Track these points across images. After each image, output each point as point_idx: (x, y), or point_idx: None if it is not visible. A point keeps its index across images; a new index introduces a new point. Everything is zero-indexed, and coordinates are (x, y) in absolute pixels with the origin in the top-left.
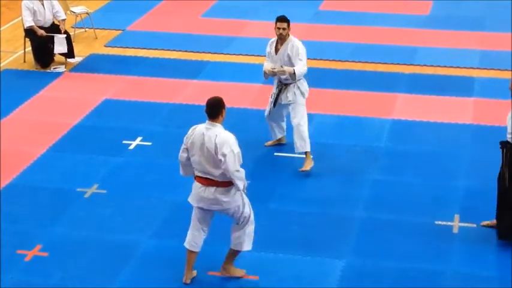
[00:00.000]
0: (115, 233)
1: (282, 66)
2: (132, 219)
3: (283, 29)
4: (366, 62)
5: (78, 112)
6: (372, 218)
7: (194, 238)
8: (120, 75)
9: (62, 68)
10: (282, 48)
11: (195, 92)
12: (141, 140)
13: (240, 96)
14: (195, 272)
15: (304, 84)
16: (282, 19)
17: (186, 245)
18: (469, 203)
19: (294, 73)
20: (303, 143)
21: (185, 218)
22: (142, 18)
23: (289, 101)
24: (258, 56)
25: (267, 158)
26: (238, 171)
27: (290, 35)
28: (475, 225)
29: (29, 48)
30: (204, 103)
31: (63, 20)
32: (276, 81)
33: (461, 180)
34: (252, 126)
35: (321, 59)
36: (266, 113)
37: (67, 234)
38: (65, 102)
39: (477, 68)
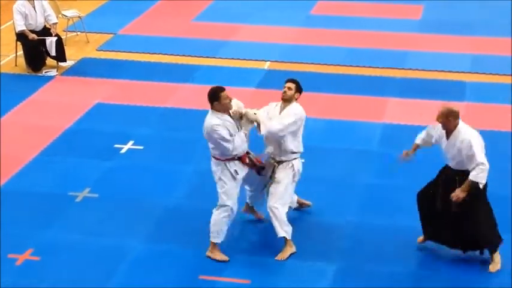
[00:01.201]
0: (106, 237)
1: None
2: (124, 223)
3: (289, 88)
4: (357, 66)
5: (69, 116)
6: (364, 222)
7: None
8: (112, 79)
9: (53, 72)
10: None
11: (187, 96)
12: (132, 144)
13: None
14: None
15: (298, 165)
16: (289, 80)
17: None
18: None
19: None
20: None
21: (177, 222)
22: (134, 22)
23: (275, 178)
24: (249, 60)
25: None
26: (229, 151)
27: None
28: None
29: (20, 52)
30: (195, 107)
31: (55, 23)
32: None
33: None
34: None
35: (312, 63)
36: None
37: (58, 238)
38: (57, 106)
39: (468, 72)
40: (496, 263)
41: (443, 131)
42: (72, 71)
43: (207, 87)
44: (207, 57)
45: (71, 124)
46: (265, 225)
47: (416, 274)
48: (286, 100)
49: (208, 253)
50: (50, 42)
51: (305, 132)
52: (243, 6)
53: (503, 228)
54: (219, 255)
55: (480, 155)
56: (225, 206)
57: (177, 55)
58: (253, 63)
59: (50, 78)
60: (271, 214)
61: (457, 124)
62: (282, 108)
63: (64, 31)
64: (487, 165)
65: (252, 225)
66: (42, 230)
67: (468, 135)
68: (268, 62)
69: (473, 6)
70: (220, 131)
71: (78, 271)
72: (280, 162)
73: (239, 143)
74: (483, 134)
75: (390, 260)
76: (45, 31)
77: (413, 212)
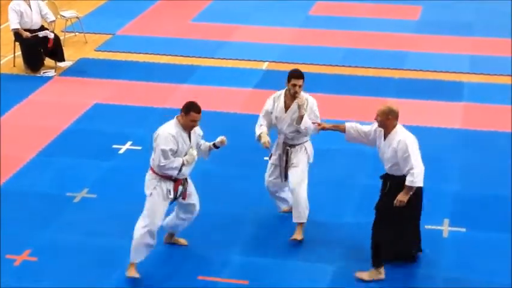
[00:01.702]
0: (105, 238)
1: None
2: (122, 223)
3: (300, 86)
4: (356, 67)
5: (68, 116)
6: (362, 223)
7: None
8: (110, 79)
9: (51, 72)
10: (293, 105)
11: (185, 97)
12: (131, 145)
13: (229, 100)
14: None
15: (310, 147)
16: (299, 75)
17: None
18: (458, 208)
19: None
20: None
21: None
22: (133, 23)
23: (293, 163)
24: (247, 60)
25: (256, 162)
26: (160, 165)
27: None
28: (464, 230)
29: (18, 53)
30: None
31: (53, 21)
32: (278, 147)
33: (451, 184)
34: (241, 131)
35: (311, 64)
36: (268, 183)
37: (56, 238)
38: (55, 107)
39: (467, 73)
40: None
41: (382, 132)
42: (71, 72)
43: (206, 88)
44: (206, 57)
45: (69, 124)
46: (264, 226)
47: (415, 274)
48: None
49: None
50: (45, 32)
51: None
52: (242, 6)
53: (503, 228)
54: (132, 272)
55: (415, 157)
56: (146, 226)
57: (176, 55)
58: (251, 64)
59: (48, 78)
60: (295, 197)
61: (396, 125)
62: (293, 103)
63: (62, 31)
64: (422, 168)
65: (251, 226)
66: (40, 231)
67: (405, 137)
68: (267, 62)
69: (471, 6)
70: (168, 143)
71: (76, 271)
72: (292, 146)
73: (175, 165)
74: (481, 134)
75: (388, 261)
76: (43, 30)
77: None
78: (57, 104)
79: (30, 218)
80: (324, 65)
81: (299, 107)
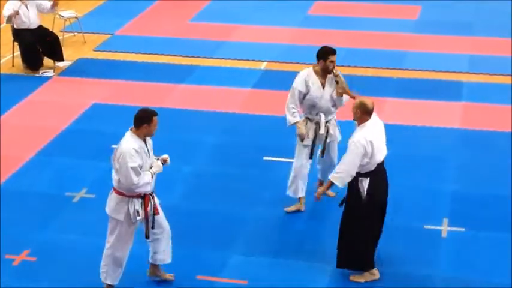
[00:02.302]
0: (103, 238)
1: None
2: None
3: (334, 61)
4: (355, 67)
5: (66, 116)
6: None
7: None
8: (109, 79)
9: (50, 72)
10: (327, 82)
11: (184, 97)
12: None
13: (228, 100)
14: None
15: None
16: (334, 51)
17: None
18: (457, 207)
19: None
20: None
21: (173, 223)
22: (131, 23)
23: (332, 138)
24: (246, 60)
25: (256, 162)
26: (133, 184)
27: None
28: (463, 230)
29: (17, 53)
30: (192, 107)
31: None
32: (311, 125)
33: (450, 184)
34: (240, 131)
35: (309, 64)
36: (301, 167)
37: (55, 238)
38: (54, 107)
39: (466, 73)
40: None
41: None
42: (69, 72)
43: (205, 88)
44: (204, 57)
45: (67, 125)
46: (263, 226)
47: (414, 273)
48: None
49: None
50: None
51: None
52: (240, 6)
53: (502, 228)
54: None
55: (348, 158)
56: (115, 254)
57: (174, 55)
58: (250, 64)
59: (47, 78)
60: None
61: (365, 121)
62: (326, 80)
63: (61, 31)
64: (348, 170)
65: (250, 226)
66: (39, 231)
67: (356, 136)
68: (265, 62)
69: (470, 6)
70: (135, 159)
71: (74, 271)
72: (328, 122)
73: (147, 179)
74: (480, 134)
75: (388, 261)
76: (41, 30)
77: (411, 211)
78: (56, 104)
79: (29, 218)
80: None
81: (339, 81)
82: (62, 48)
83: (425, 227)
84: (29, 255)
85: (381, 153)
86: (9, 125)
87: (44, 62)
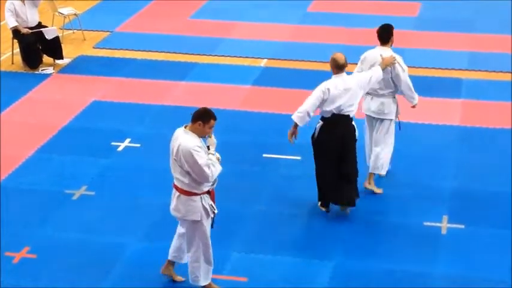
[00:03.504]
0: (103, 235)
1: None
2: (121, 221)
3: None
4: (355, 64)
5: (66, 114)
6: (361, 219)
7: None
8: (109, 76)
9: (50, 70)
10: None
11: (184, 94)
12: (129, 142)
13: (228, 97)
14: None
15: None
16: None
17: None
18: (457, 204)
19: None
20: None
21: (174, 220)
22: (131, 20)
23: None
24: (246, 57)
25: (256, 159)
26: (210, 178)
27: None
28: (463, 227)
29: (17, 50)
30: (192, 104)
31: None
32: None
33: (450, 181)
34: (240, 128)
35: (309, 61)
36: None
37: (55, 236)
38: (53, 104)
39: (465, 70)
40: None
41: None
42: (69, 69)
43: (204, 85)
44: (204, 54)
45: (67, 122)
46: (263, 223)
47: (414, 272)
48: None
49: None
50: (48, 30)
51: (303, 129)
52: (240, 3)
53: (502, 225)
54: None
55: (306, 101)
56: (205, 256)
57: (174, 53)
58: (249, 61)
59: (47, 76)
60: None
61: (334, 74)
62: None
63: (61, 29)
64: (303, 108)
65: (250, 223)
66: (38, 228)
67: (321, 83)
68: (265, 59)
69: (470, 3)
70: (201, 154)
71: (74, 269)
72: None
73: (218, 169)
74: (479, 131)
75: (388, 258)
76: (40, 27)
77: (410, 209)
78: (55, 101)
79: (29, 216)
80: (323, 61)
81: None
82: (62, 45)
83: (425, 223)
84: (29, 252)
85: (334, 105)
86: (9, 122)
87: (43, 59)
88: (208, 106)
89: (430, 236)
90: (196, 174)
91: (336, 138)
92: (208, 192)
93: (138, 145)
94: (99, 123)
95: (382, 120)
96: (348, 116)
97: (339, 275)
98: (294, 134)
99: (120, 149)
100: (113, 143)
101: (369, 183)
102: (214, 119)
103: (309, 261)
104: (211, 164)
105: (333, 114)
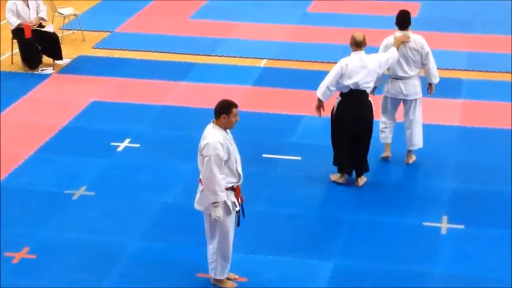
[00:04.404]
0: (103, 235)
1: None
2: (121, 221)
3: None
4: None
5: (65, 114)
6: (360, 219)
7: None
8: (108, 76)
9: (49, 70)
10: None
11: (183, 94)
12: (129, 142)
13: (228, 97)
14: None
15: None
16: None
17: None
18: (457, 204)
19: None
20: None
21: (174, 220)
22: (131, 20)
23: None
24: (246, 57)
25: (255, 159)
26: (209, 179)
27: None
28: (463, 227)
29: (16, 50)
30: (192, 105)
31: (42, 19)
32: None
33: (449, 181)
34: (240, 128)
35: (309, 61)
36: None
37: (55, 236)
38: (53, 104)
39: (465, 70)
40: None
41: None
42: (69, 69)
43: (204, 85)
44: (204, 55)
45: (67, 122)
46: (263, 223)
47: (414, 272)
48: None
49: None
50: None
51: (303, 129)
52: (240, 3)
53: (501, 225)
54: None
55: (328, 75)
56: (222, 251)
57: (174, 53)
58: (249, 61)
59: (46, 76)
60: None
61: (353, 51)
62: None
63: (60, 29)
64: (324, 83)
65: (250, 223)
66: (38, 228)
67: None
68: (265, 59)
69: (470, 3)
70: (219, 152)
71: (74, 269)
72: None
73: (221, 185)
74: (479, 131)
75: (388, 258)
76: (41, 28)
77: (410, 209)
78: (55, 101)
79: (29, 216)
80: (323, 62)
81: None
82: (61, 45)
83: (425, 224)
84: (28, 252)
85: (351, 80)
86: (9, 122)
87: (43, 59)
88: (209, 106)
89: (430, 236)
90: (204, 167)
91: (353, 114)
92: (233, 188)
93: (138, 145)
94: (99, 124)
95: (412, 100)
96: (365, 91)
97: (339, 275)
98: (320, 107)
99: (119, 149)
100: (113, 143)
101: (410, 158)
102: (236, 106)
103: (309, 261)
104: (221, 176)
105: (351, 90)
